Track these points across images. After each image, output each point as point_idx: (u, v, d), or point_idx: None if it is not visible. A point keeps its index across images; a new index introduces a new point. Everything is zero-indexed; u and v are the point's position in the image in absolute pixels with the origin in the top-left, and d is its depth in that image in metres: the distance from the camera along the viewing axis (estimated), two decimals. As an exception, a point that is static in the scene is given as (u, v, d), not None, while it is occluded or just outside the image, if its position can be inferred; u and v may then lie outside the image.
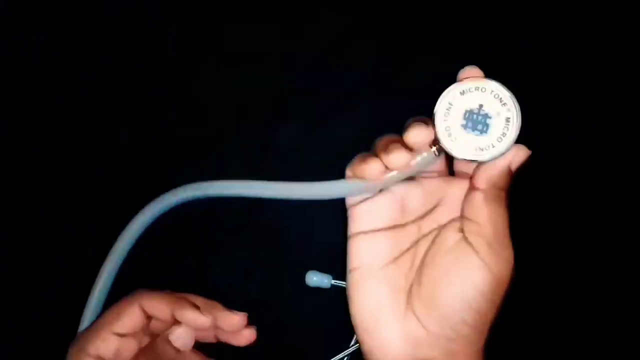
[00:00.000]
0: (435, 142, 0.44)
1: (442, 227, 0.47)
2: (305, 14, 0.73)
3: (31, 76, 0.73)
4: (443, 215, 0.47)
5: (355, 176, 0.46)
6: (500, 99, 0.43)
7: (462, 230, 0.45)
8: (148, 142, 0.72)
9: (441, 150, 0.44)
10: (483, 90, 0.43)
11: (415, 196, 0.47)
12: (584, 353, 0.65)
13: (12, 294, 0.69)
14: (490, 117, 0.42)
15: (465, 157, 0.43)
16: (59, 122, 0.72)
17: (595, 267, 0.67)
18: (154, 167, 0.71)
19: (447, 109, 0.43)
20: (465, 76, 0.44)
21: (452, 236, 0.45)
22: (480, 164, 0.44)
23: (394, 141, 0.44)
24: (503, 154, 0.43)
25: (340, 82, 0.71)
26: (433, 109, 0.44)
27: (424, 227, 0.48)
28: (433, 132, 0.43)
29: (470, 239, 0.44)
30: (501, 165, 0.44)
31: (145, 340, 0.52)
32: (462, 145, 0.43)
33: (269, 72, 0.72)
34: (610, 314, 0.66)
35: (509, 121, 0.43)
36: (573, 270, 0.67)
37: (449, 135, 0.43)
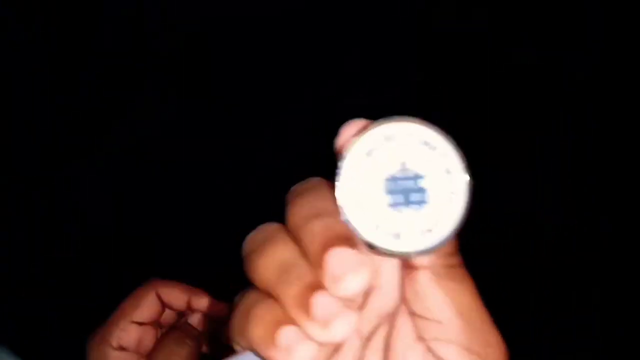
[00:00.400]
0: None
1: (390, 325, 0.31)
2: (308, 11, 0.73)
3: (31, 76, 0.73)
4: (381, 302, 0.31)
5: (258, 347, 0.27)
6: (425, 142, 0.28)
7: (421, 339, 0.29)
8: (147, 141, 0.72)
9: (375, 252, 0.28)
10: (396, 138, 0.28)
11: None
12: (584, 353, 0.65)
13: (12, 294, 0.69)
14: (422, 177, 0.28)
15: (417, 251, 0.28)
16: (59, 122, 0.72)
17: (595, 267, 0.67)
18: (154, 166, 0.71)
19: (358, 187, 0.27)
20: (350, 134, 0.28)
21: (414, 354, 0.29)
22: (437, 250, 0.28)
23: (312, 287, 0.26)
24: (463, 218, 0.28)
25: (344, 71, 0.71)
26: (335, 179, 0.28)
27: (364, 328, 0.31)
28: (369, 259, 0.26)
29: (441, 353, 0.29)
30: None
31: (158, 332, 0.52)
32: (402, 234, 0.28)
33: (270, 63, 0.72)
34: (610, 314, 0.66)
35: (450, 172, 0.28)
36: (573, 270, 0.67)
37: (377, 227, 0.27)
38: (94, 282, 0.63)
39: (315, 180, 0.29)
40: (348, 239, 0.26)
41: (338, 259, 0.25)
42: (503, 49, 0.71)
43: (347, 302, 0.25)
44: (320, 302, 0.25)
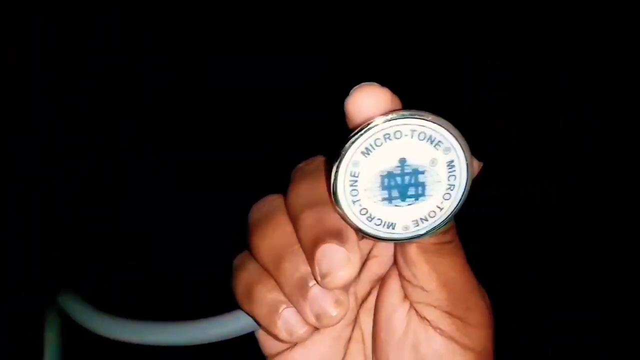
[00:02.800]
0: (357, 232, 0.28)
1: (382, 287, 0.33)
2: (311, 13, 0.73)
3: (31, 76, 0.74)
4: (377, 268, 0.33)
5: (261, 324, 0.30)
6: (430, 137, 0.26)
7: (407, 300, 0.31)
8: (147, 140, 0.72)
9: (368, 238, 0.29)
10: (397, 136, 0.26)
11: None
12: (584, 352, 0.65)
13: (12, 293, 0.69)
14: (422, 172, 0.27)
15: (409, 238, 0.28)
16: (59, 122, 0.72)
17: (595, 267, 0.67)
18: (154, 165, 0.71)
19: (352, 184, 0.27)
20: (358, 107, 0.26)
21: (399, 313, 0.31)
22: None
23: (306, 279, 0.28)
24: (459, 208, 0.28)
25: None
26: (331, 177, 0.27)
27: (360, 291, 0.33)
28: (357, 253, 0.27)
29: (424, 313, 0.30)
30: None
31: None
32: (396, 224, 0.28)
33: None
34: (610, 314, 0.66)
35: (452, 166, 0.27)
36: (573, 270, 0.67)
37: (370, 219, 0.27)
38: (94, 282, 0.63)
39: (317, 163, 0.29)
40: (338, 233, 0.27)
41: (326, 255, 0.27)
42: (503, 50, 0.71)
43: (339, 292, 0.27)
44: (313, 295, 0.27)
